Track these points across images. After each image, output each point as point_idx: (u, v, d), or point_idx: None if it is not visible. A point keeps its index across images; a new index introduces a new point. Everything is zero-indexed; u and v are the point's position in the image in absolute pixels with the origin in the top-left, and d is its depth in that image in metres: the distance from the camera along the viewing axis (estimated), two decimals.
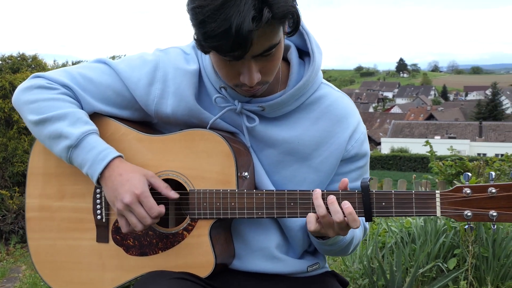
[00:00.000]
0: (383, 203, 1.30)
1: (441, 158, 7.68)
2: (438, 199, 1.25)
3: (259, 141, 1.51)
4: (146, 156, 1.49)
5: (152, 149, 1.50)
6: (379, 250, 3.73)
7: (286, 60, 1.54)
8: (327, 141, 1.51)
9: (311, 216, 1.35)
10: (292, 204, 1.38)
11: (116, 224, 1.52)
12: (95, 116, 1.54)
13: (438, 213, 1.24)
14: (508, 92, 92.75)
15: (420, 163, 35.94)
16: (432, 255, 3.66)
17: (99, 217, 1.53)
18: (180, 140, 1.47)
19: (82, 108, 1.52)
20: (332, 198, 1.33)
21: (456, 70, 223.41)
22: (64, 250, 1.59)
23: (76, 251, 1.57)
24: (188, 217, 1.45)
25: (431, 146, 7.54)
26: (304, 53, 1.54)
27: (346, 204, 1.31)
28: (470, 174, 1.26)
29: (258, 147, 1.52)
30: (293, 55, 1.51)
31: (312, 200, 1.36)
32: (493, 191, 1.22)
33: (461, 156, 8.69)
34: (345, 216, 1.31)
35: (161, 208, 1.39)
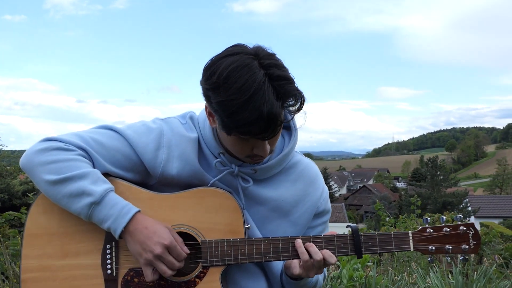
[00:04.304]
0: (370, 243, 1.64)
1: None
2: (411, 238, 1.63)
3: (250, 199, 1.77)
4: (158, 211, 1.66)
5: (163, 205, 1.67)
6: None
7: None
8: (303, 199, 1.83)
9: (295, 262, 1.66)
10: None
11: (127, 277, 1.63)
12: (105, 176, 1.67)
13: (412, 248, 1.62)
14: (335, 177, 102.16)
15: None
16: None
17: (109, 271, 1.63)
18: (190, 197, 1.67)
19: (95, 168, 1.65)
20: (310, 243, 1.65)
21: None
22: None
23: None
24: (200, 265, 1.63)
25: None
26: None
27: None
28: (429, 218, 1.67)
29: (249, 205, 1.78)
30: None
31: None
32: (447, 230, 1.64)
33: None
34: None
35: (185, 253, 1.57)
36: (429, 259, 1.66)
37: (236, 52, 1.50)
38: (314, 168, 1.91)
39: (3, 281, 4.42)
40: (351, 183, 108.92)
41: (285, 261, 1.77)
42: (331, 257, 1.63)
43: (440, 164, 50.94)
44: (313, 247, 1.63)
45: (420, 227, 1.66)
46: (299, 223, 1.82)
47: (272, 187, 1.79)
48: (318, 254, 1.62)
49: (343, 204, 55.36)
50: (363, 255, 1.63)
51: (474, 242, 1.64)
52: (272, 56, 1.52)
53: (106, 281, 1.63)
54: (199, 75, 1.55)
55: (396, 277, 4.73)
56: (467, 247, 1.63)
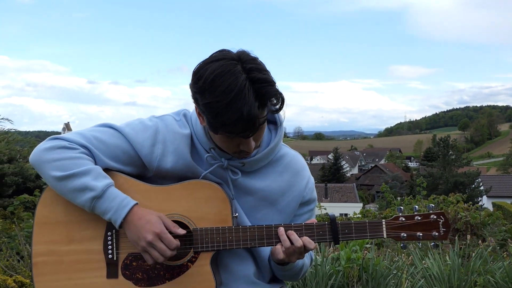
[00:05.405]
0: (346, 230, 1.79)
1: None
2: (384, 226, 1.78)
3: (239, 190, 1.92)
4: (154, 202, 1.82)
5: (158, 197, 1.83)
6: None
7: None
8: (289, 189, 1.98)
9: (278, 248, 1.81)
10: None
11: (126, 261, 1.80)
12: (105, 171, 1.83)
13: (385, 235, 1.76)
14: (347, 157, 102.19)
15: None
16: None
17: (110, 256, 1.80)
18: (183, 189, 1.83)
19: (96, 164, 1.82)
20: (291, 231, 1.80)
21: (301, 136, 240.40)
22: None
23: None
24: (192, 250, 1.80)
25: None
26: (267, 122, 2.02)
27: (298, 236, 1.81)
28: (402, 207, 1.81)
29: (238, 195, 1.93)
30: None
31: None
32: (419, 218, 1.78)
33: None
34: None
35: (177, 242, 1.73)
36: (401, 245, 1.81)
37: (220, 58, 1.64)
38: (300, 160, 2.05)
39: (18, 261, 4.66)
40: (363, 163, 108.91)
41: (271, 247, 1.92)
42: (310, 243, 1.79)
43: (452, 144, 50.67)
44: (294, 235, 1.79)
45: (394, 215, 1.80)
46: (286, 211, 1.97)
47: (260, 178, 1.94)
48: (298, 241, 1.77)
49: (354, 184, 55.56)
50: (340, 241, 1.78)
51: (444, 229, 1.78)
52: (254, 60, 1.66)
53: (108, 265, 1.81)
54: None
55: (395, 258, 4.89)
56: (437, 234, 1.77)
